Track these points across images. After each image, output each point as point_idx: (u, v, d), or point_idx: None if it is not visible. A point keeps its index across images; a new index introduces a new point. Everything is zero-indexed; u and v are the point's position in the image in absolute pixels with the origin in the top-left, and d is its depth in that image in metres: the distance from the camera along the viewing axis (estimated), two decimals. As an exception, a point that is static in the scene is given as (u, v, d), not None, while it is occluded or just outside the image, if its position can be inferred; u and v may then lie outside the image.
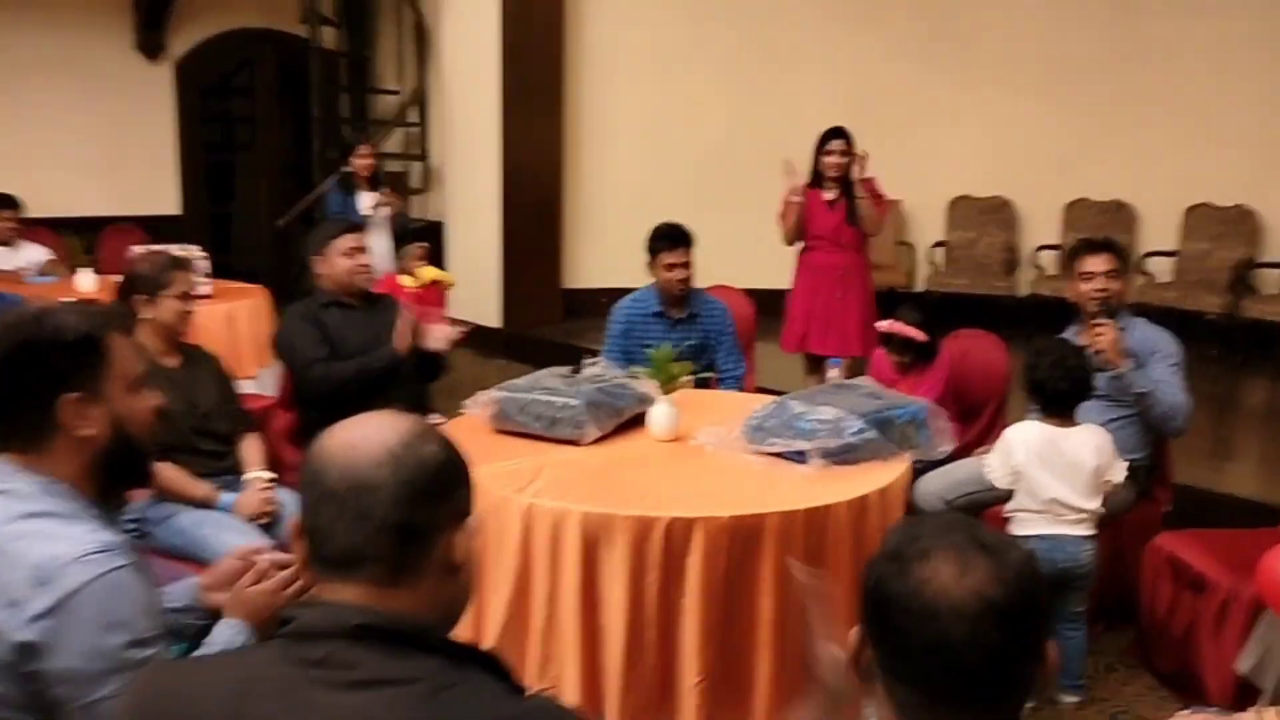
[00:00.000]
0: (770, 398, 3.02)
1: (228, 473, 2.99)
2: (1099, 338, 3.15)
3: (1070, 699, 3.00)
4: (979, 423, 3.93)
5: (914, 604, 1.04)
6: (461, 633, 2.34)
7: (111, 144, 7.68)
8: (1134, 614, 3.28)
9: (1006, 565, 1.04)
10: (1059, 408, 2.87)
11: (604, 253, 7.58)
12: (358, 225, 3.69)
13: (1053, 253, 7.56)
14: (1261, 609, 2.69)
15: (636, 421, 2.82)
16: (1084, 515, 2.84)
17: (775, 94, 7.75)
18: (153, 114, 7.86)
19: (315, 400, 3.41)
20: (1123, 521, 3.28)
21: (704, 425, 2.77)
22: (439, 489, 1.11)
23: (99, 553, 1.36)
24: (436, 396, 6.03)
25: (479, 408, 2.78)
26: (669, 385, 2.73)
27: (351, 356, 3.42)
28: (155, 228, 7.09)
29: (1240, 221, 7.08)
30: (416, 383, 3.54)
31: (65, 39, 7.39)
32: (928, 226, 7.92)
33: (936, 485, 3.43)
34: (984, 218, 7.79)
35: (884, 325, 3.80)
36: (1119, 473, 2.88)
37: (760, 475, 2.47)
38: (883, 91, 7.72)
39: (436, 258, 7.60)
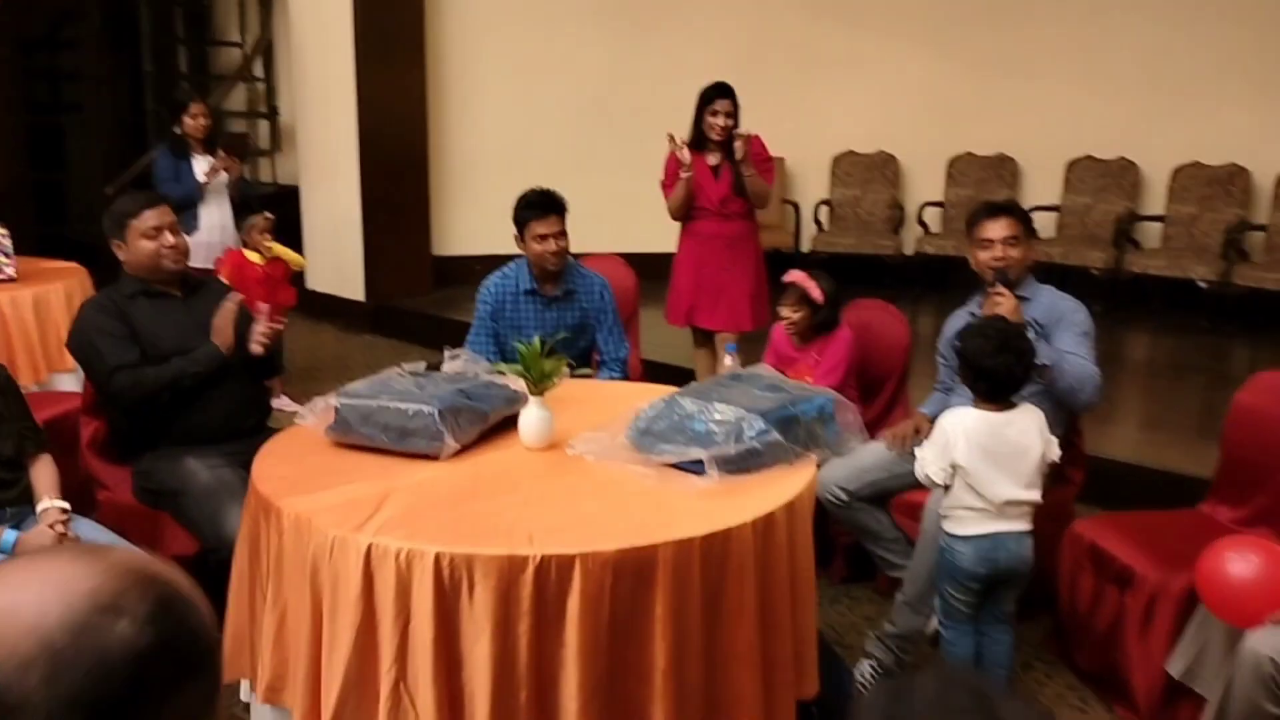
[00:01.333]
0: (659, 388, 2.66)
1: (15, 504, 2.49)
2: (997, 307, 2.89)
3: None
4: (878, 400, 3.66)
5: None
6: (294, 692, 1.95)
7: (-90, 103, 6.82)
8: (1050, 603, 3.06)
9: None
10: (1001, 392, 2.56)
11: (477, 216, 7.09)
12: (161, 199, 3.12)
13: (937, 209, 7.40)
14: (1193, 605, 2.48)
15: (506, 425, 2.43)
16: (1026, 508, 2.57)
17: (657, 44, 7.35)
18: (-41, 70, 7.01)
19: (125, 407, 2.91)
20: (1042, 510, 3.04)
21: (584, 429, 2.39)
22: (131, 706, 0.69)
23: None
24: (294, 382, 5.57)
25: (314, 417, 2.34)
26: (541, 385, 2.33)
27: (167, 357, 2.90)
28: (-31, 198, 6.32)
29: (1122, 174, 7.01)
30: (249, 380, 3.05)
31: None
32: (812, 184, 7.66)
33: (839, 473, 3.15)
34: (868, 174, 7.58)
35: (790, 274, 3.50)
36: (1055, 450, 2.62)
37: (649, 494, 2.11)
38: (768, 43, 7.41)
39: (293, 225, 7.01)
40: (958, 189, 7.43)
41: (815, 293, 3.45)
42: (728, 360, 2.94)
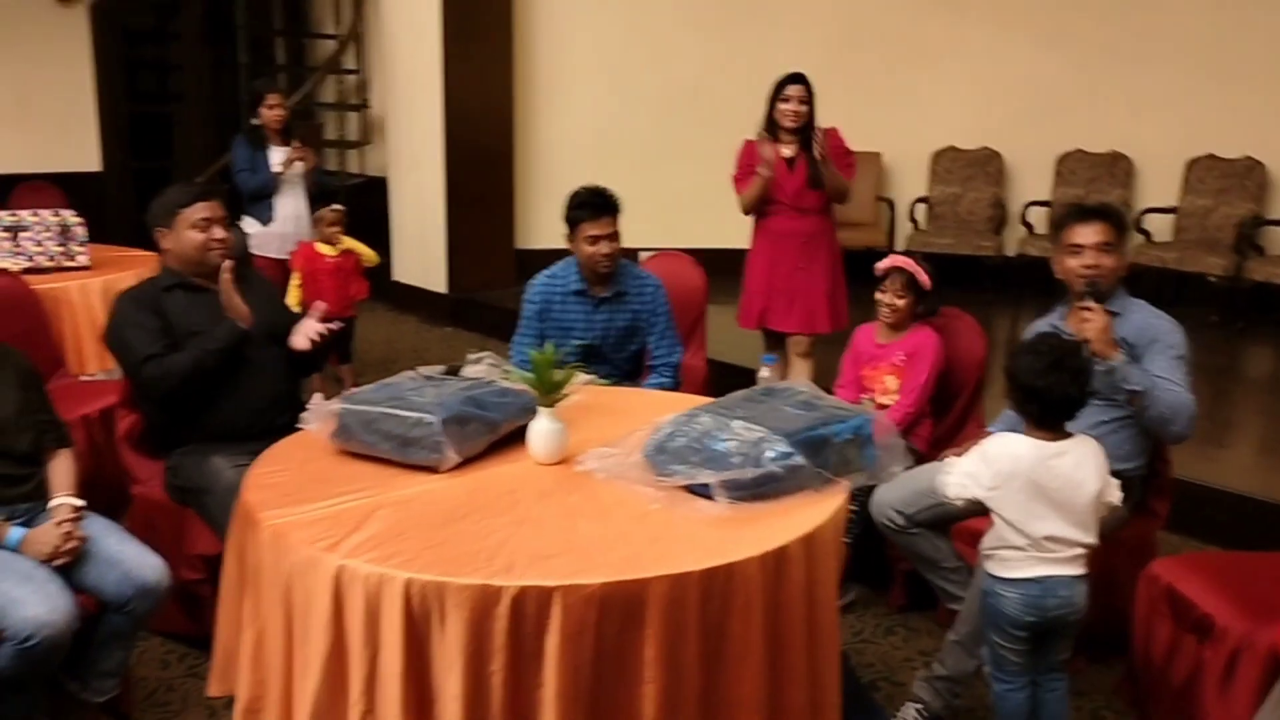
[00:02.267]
0: (693, 399, 2.49)
1: (28, 499, 2.45)
2: (1085, 324, 2.62)
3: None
4: (949, 416, 3.41)
5: None
6: (272, 713, 1.84)
7: (22, 93, 7.05)
8: (1123, 645, 2.77)
9: None
10: (1055, 419, 2.31)
11: (561, 209, 7.00)
12: (215, 191, 3.10)
13: (1043, 209, 7.01)
14: (1282, 664, 2.19)
15: (520, 436, 2.29)
16: (1080, 551, 2.31)
17: (749, 34, 7.15)
18: (67, 61, 7.22)
19: (159, 400, 2.87)
20: (1115, 540, 2.76)
21: (600, 442, 2.24)
22: None
23: None
24: (368, 373, 5.56)
25: (318, 421, 2.24)
26: (551, 395, 2.18)
27: (194, 347, 2.85)
28: (73, 185, 6.49)
29: (1247, 174, 6.52)
30: (283, 376, 2.98)
31: (-36, -21, 6.76)
32: (909, 181, 7.34)
33: (895, 495, 2.92)
34: (970, 171, 7.22)
35: (889, 260, 3.31)
36: (1115, 494, 2.35)
37: (652, 519, 1.94)
38: (865, 33, 7.14)
39: (380, 216, 7.04)
40: (1066, 188, 7.02)
41: (923, 277, 3.29)
42: (764, 371, 2.74)
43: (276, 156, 5.09)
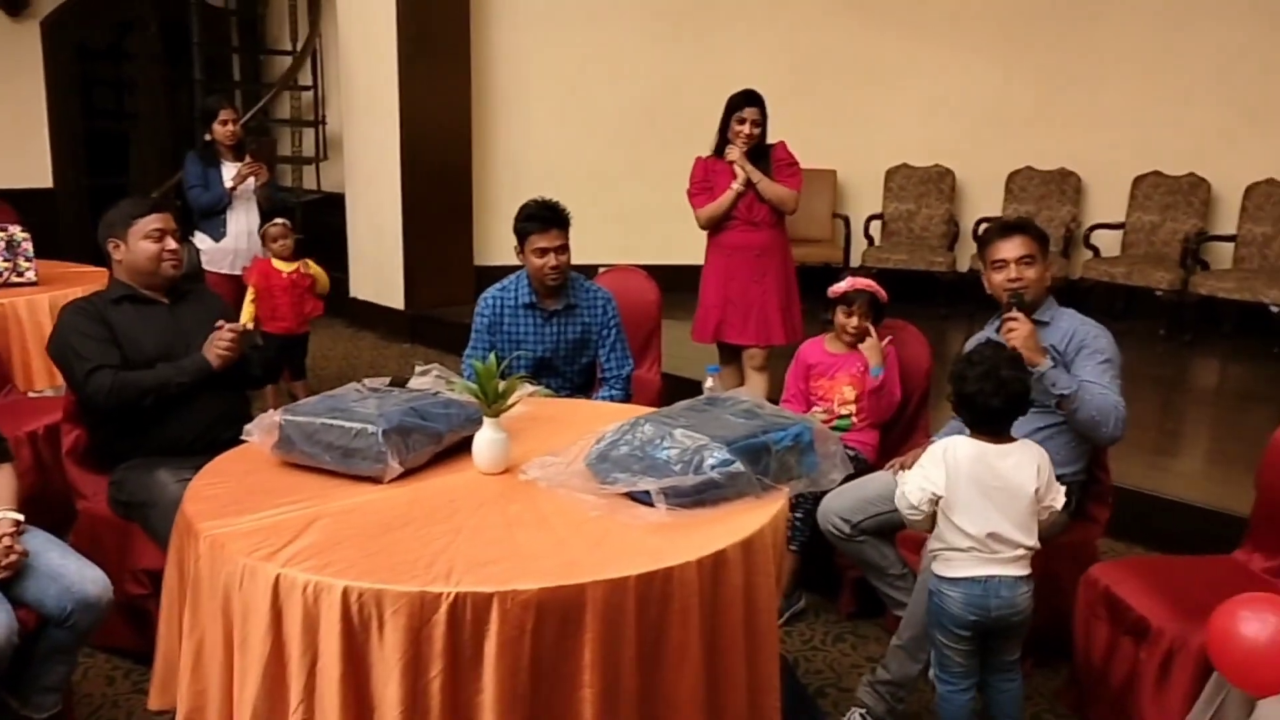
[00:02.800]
0: (638, 409, 2.51)
1: (-33, 513, 2.43)
2: (1011, 334, 2.69)
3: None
4: (896, 427, 3.45)
5: None
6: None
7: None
8: (1068, 649, 2.82)
9: None
10: (992, 425, 2.37)
11: (514, 224, 7.03)
12: (167, 204, 3.11)
13: (995, 225, 7.12)
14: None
15: (465, 447, 2.30)
16: (1022, 552, 2.36)
17: (707, 53, 7.22)
18: (18, 77, 7.16)
19: (104, 412, 2.85)
20: (1055, 545, 2.81)
21: (545, 452, 2.25)
22: None
23: None
24: (323, 389, 5.53)
25: (260, 433, 2.24)
26: (495, 406, 2.20)
27: (150, 363, 2.85)
28: (24, 202, 6.42)
29: (1191, 191, 6.67)
30: (229, 391, 2.97)
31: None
32: (864, 198, 7.44)
33: (841, 504, 2.98)
34: (923, 188, 7.33)
35: (846, 283, 3.35)
36: (1058, 497, 2.41)
37: (593, 525, 1.96)
38: (820, 54, 7.24)
39: (338, 232, 7.02)
40: (1017, 204, 7.14)
41: (883, 295, 3.37)
42: (709, 382, 2.78)
43: (229, 172, 5.06)
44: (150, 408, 2.82)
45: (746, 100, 4.18)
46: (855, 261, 7.22)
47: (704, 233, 4.42)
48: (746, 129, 4.13)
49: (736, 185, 4.18)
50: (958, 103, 7.22)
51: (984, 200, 7.25)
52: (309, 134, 7.40)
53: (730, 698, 1.93)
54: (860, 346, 3.34)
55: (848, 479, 2.92)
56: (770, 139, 4.23)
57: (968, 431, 2.41)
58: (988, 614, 2.33)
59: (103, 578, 2.41)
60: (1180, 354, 6.14)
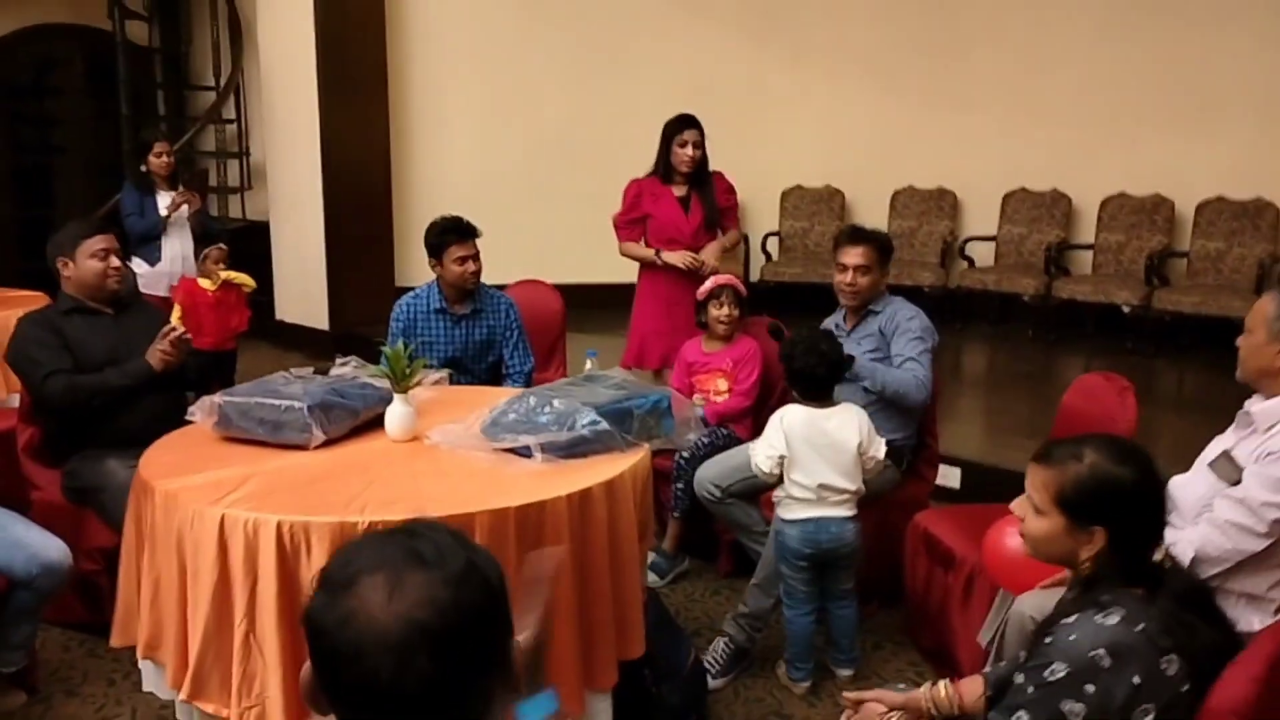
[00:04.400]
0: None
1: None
2: None
3: (844, 672, 3.04)
4: (765, 414, 3.93)
5: (340, 641, 0.96)
6: (167, 652, 2.22)
7: (-100, 146, 7.20)
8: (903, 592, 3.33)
9: (445, 579, 0.97)
10: (817, 391, 2.88)
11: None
12: (110, 227, 3.49)
13: (881, 239, 7.71)
14: (1003, 582, 2.74)
15: (379, 422, 2.72)
16: (847, 496, 2.86)
17: (608, 84, 7.70)
18: (-53, 114, 7.40)
19: (59, 411, 3.21)
20: (889, 501, 3.33)
21: (447, 423, 2.68)
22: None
23: None
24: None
25: (202, 414, 2.64)
26: (403, 383, 2.63)
27: (98, 367, 3.22)
28: (-47, 235, 6.66)
29: (1054, 205, 7.32)
30: (170, 391, 3.34)
31: None
32: (762, 217, 7.97)
33: (713, 473, 3.44)
34: (816, 207, 7.90)
35: (710, 283, 3.78)
36: (879, 449, 2.91)
37: (484, 473, 2.39)
38: (716, 83, 7.73)
39: (263, 259, 7.35)
40: (901, 220, 7.75)
41: (742, 288, 3.81)
42: (588, 364, 3.23)
43: (164, 201, 5.42)
44: (99, 406, 3.19)
45: (685, 124, 4.26)
46: (755, 276, 7.76)
47: (613, 253, 4.50)
48: (689, 151, 4.21)
49: (661, 258, 4.25)
50: (845, 128, 7.80)
51: (871, 217, 7.80)
52: (234, 165, 7.74)
53: (598, 610, 2.37)
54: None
55: (717, 451, 3.43)
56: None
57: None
58: (819, 547, 2.81)
59: (63, 546, 2.79)
60: (1046, 353, 6.75)
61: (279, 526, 2.11)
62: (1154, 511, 1.70)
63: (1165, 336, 6.51)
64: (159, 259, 5.41)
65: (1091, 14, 7.11)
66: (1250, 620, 2.32)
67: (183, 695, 2.22)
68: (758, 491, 3.42)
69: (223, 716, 2.20)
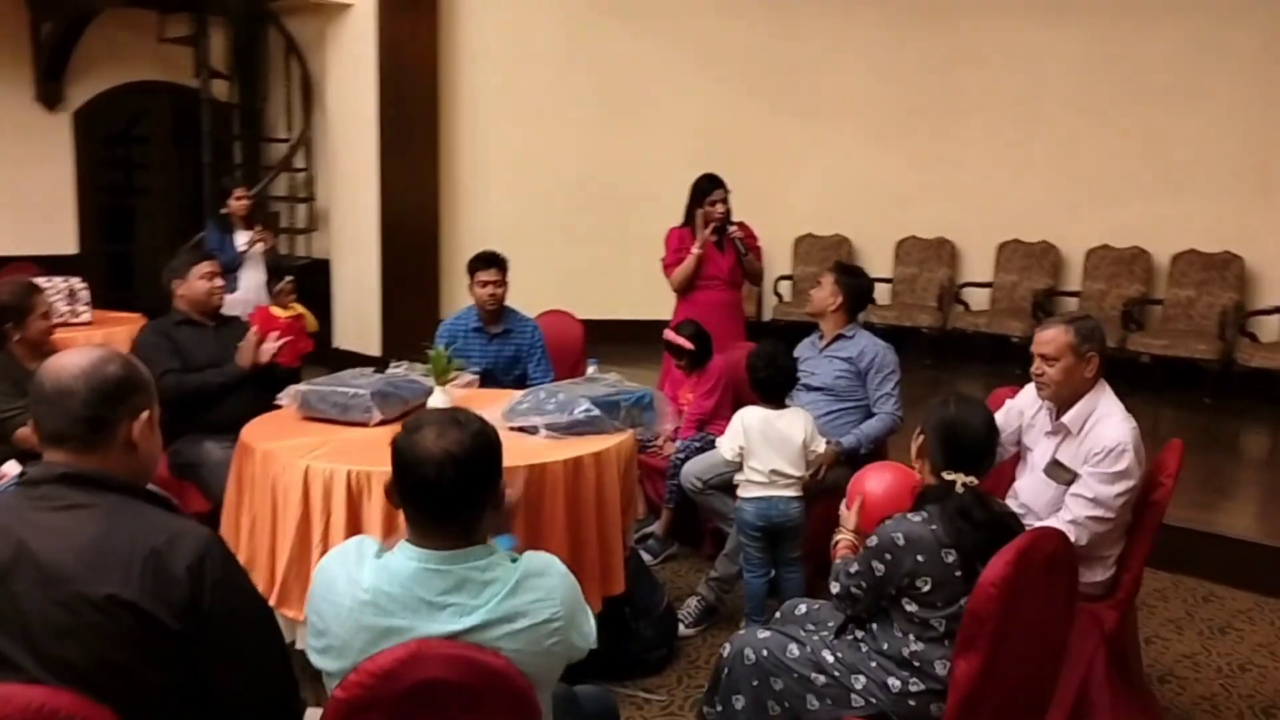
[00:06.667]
0: (544, 393, 3.68)
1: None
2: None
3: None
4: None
5: (408, 458, 1.70)
6: (259, 573, 2.95)
7: (11, 188, 8.14)
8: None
9: (468, 433, 1.70)
10: (773, 394, 3.59)
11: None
12: (211, 255, 4.30)
13: (885, 285, 8.41)
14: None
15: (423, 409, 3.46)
16: (792, 480, 3.55)
17: (631, 137, 8.54)
18: (52, 160, 8.35)
19: (167, 404, 3.98)
20: (841, 494, 3.99)
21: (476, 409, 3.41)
22: (117, 393, 1.71)
23: None
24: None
25: (289, 399, 3.40)
26: (443, 378, 3.38)
27: (201, 369, 4.01)
28: (53, 265, 7.54)
29: (1044, 255, 7.97)
30: (260, 390, 4.11)
31: (-33, 91, 7.90)
32: (775, 261, 8.70)
33: (697, 468, 4.12)
34: (826, 253, 8.61)
35: (665, 334, 4.52)
36: (820, 445, 3.61)
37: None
38: (732, 135, 8.53)
39: (324, 293, 8.21)
40: (904, 266, 8.45)
41: (685, 343, 4.47)
42: (589, 369, 3.96)
43: (241, 239, 6.27)
44: (201, 400, 3.97)
45: (714, 184, 4.97)
46: (767, 316, 8.48)
47: (637, 290, 5.32)
48: (718, 210, 4.96)
49: (696, 249, 4.98)
50: (853, 181, 8.56)
51: (877, 263, 8.53)
52: (301, 208, 8.62)
53: (586, 554, 3.07)
54: None
55: (701, 452, 4.12)
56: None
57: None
58: (770, 521, 3.50)
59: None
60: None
61: (348, 475, 2.85)
62: (955, 443, 2.38)
63: (1139, 377, 7.11)
64: (236, 289, 6.23)
65: (1074, 86, 7.83)
66: (1094, 573, 2.99)
67: (271, 603, 2.95)
68: (733, 485, 4.11)
69: (300, 621, 2.92)
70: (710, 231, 4.99)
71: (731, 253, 5.10)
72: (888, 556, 2.30)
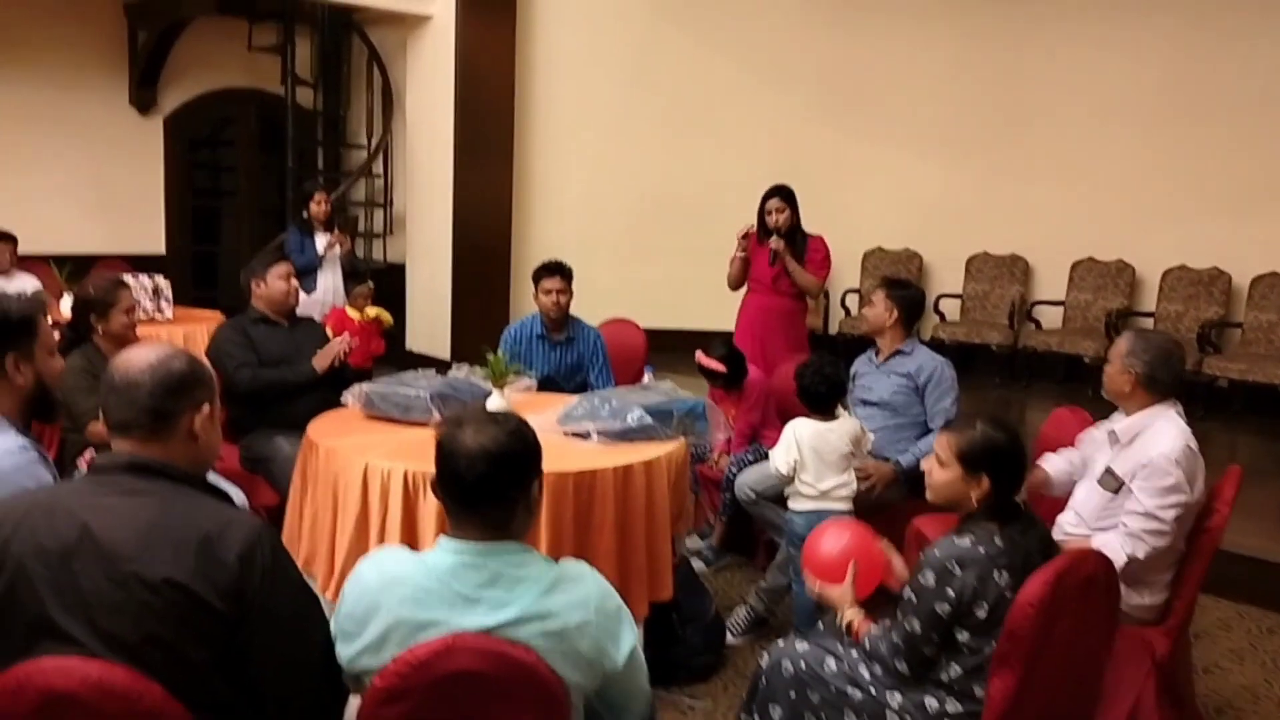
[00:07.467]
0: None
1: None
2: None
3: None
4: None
5: (447, 451, 1.78)
6: (319, 565, 3.06)
7: (105, 189, 8.51)
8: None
9: (503, 431, 1.77)
10: (822, 406, 3.60)
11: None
12: (288, 258, 4.48)
13: (955, 301, 8.33)
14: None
15: (482, 413, 3.55)
16: (845, 493, 3.56)
17: (704, 151, 8.59)
18: (144, 163, 8.70)
19: (241, 399, 4.15)
20: (897, 510, 4.00)
21: (532, 413, 3.49)
22: (181, 387, 1.81)
23: (15, 448, 2.09)
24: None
25: (353, 399, 3.51)
26: (501, 381, 3.47)
27: (275, 364, 4.17)
28: (142, 264, 7.85)
29: (1119, 274, 7.82)
30: (328, 389, 4.25)
31: (68, 96, 8.25)
32: (844, 275, 8.68)
33: (750, 479, 4.16)
34: (895, 268, 8.55)
35: (697, 358, 4.55)
36: (868, 442, 3.63)
37: (554, 448, 3.12)
38: (802, 150, 8.53)
39: (398, 295, 8.40)
40: (975, 283, 8.35)
41: (716, 365, 4.49)
42: (646, 377, 4.02)
43: (321, 242, 6.46)
44: (273, 396, 4.12)
45: (770, 194, 5.28)
46: (834, 329, 8.46)
47: (706, 299, 5.58)
48: (773, 217, 5.22)
49: (737, 253, 5.27)
50: (923, 195, 8.48)
51: (947, 279, 8.46)
52: (379, 213, 8.84)
53: (634, 558, 3.12)
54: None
55: (752, 465, 4.16)
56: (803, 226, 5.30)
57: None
58: (821, 534, 3.51)
59: (243, 495, 3.68)
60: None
61: (406, 474, 2.94)
62: (1018, 465, 2.40)
63: (1215, 402, 6.93)
64: (314, 289, 6.42)
65: (1150, 102, 7.68)
66: (1142, 596, 2.96)
67: (329, 595, 3.06)
68: (786, 496, 4.13)
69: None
70: (745, 237, 5.27)
71: (781, 264, 5.25)
72: (949, 591, 2.26)
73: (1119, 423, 3.03)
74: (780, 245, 5.19)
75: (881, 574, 2.75)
